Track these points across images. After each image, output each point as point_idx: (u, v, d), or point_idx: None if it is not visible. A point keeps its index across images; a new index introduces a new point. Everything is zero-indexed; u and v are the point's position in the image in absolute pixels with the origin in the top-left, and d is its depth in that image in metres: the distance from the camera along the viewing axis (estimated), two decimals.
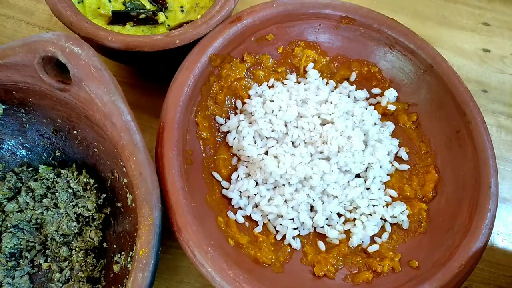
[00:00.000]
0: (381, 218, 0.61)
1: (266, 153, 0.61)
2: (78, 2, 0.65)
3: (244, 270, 0.49)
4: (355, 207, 0.61)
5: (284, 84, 0.68)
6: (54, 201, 0.58)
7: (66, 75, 0.48)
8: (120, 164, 0.51)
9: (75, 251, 0.56)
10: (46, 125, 0.58)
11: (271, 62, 0.68)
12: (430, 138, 0.65)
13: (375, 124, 0.66)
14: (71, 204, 0.57)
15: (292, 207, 0.59)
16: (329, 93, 0.66)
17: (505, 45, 0.88)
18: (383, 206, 0.62)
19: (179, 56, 0.60)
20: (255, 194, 0.60)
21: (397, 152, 0.66)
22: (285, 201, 0.60)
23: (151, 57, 0.62)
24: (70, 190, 0.58)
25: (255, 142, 0.62)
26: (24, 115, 0.57)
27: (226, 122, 0.65)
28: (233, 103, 0.66)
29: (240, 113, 0.65)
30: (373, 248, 0.58)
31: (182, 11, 0.68)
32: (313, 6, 0.66)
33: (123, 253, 0.53)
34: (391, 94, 0.68)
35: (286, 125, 0.63)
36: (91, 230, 0.57)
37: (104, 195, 0.58)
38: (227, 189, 0.61)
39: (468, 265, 0.52)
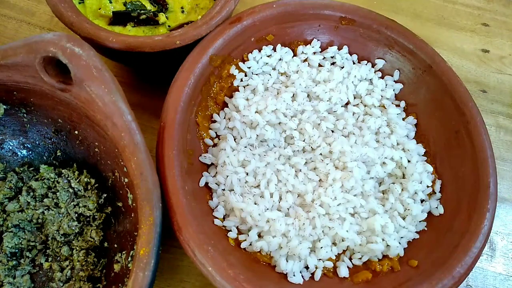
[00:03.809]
0: None
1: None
2: (79, 3, 0.65)
3: (244, 269, 0.49)
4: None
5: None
6: (55, 200, 0.58)
7: (67, 76, 0.48)
8: (121, 164, 0.51)
9: (76, 250, 0.56)
10: (47, 125, 0.59)
11: None
12: (429, 138, 0.65)
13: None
14: (72, 203, 0.57)
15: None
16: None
17: (504, 45, 0.88)
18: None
19: (179, 56, 0.60)
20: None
21: None
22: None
23: (151, 57, 0.62)
24: (71, 190, 0.58)
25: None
26: (25, 115, 0.58)
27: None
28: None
29: None
30: None
31: (182, 12, 0.69)
32: (312, 7, 0.66)
33: (123, 252, 0.53)
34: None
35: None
36: (92, 230, 0.57)
37: (105, 195, 0.59)
38: None
39: (467, 265, 0.52)
